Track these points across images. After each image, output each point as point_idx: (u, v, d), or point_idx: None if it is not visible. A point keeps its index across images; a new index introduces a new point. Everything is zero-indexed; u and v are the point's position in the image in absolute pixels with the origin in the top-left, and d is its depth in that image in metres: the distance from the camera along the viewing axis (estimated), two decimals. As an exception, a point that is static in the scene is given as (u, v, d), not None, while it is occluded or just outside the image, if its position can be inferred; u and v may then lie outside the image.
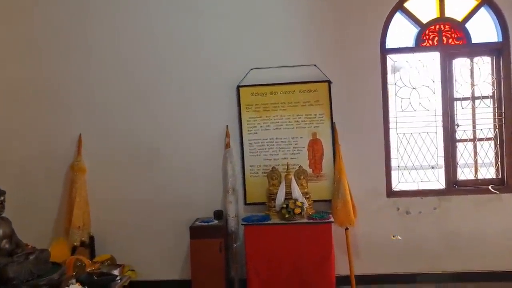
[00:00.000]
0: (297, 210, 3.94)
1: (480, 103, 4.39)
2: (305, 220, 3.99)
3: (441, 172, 4.42)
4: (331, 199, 4.30)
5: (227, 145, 4.39)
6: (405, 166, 4.44)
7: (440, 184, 4.42)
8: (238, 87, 4.39)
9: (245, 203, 4.42)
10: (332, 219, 4.03)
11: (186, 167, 4.46)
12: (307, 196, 4.17)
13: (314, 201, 4.27)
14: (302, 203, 4.01)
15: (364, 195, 4.38)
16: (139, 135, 4.50)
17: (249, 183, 4.40)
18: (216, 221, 4.21)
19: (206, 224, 4.14)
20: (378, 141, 4.38)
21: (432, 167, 4.42)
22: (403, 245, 4.39)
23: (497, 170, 4.39)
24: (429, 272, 4.38)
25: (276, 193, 4.11)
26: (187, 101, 4.47)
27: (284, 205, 3.98)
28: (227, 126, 4.42)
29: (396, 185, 4.45)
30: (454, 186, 4.40)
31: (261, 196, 4.37)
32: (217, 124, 4.44)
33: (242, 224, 4.05)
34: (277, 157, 4.38)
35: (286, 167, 4.20)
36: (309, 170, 4.35)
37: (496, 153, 4.39)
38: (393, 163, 4.45)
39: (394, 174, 4.45)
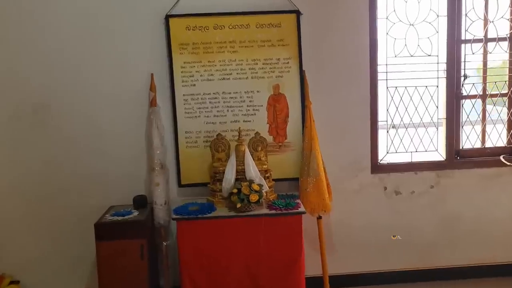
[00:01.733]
0: (254, 197, 2.72)
1: (495, 46, 3.29)
2: (265, 211, 2.79)
3: (441, 139, 3.35)
4: (298, 178, 3.12)
5: (152, 103, 3.04)
6: (396, 131, 3.32)
7: (440, 155, 3.35)
8: (167, 17, 3.01)
9: (179, 185, 3.14)
10: (301, 208, 2.86)
11: (92, 133, 3.09)
12: (267, 175, 2.96)
13: (276, 180, 3.07)
14: (261, 186, 2.79)
15: (341, 171, 3.25)
16: (21, 85, 3.04)
17: (185, 157, 3.11)
18: (136, 213, 2.91)
19: (121, 218, 2.83)
20: (362, 98, 3.21)
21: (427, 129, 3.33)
22: (389, 235, 3.34)
23: (511, 136, 3.38)
24: (423, 268, 3.39)
25: (223, 172, 2.86)
26: (92, 38, 3.03)
27: (235, 190, 2.75)
28: (151, 75, 3.05)
29: (384, 157, 3.34)
30: (456, 157, 3.35)
31: (201, 174, 3.11)
32: (137, 72, 3.07)
33: (173, 219, 2.79)
34: (224, 120, 3.10)
35: (238, 134, 2.94)
36: (269, 138, 3.12)
37: None
38: (381, 127, 3.31)
39: (381, 143, 3.32)
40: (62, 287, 3.16)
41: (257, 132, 3.01)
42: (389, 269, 3.37)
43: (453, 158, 3.33)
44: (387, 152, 3.34)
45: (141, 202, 3.02)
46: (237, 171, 2.85)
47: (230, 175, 2.83)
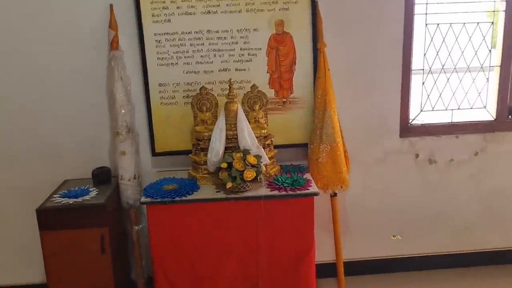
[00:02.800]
0: (249, 174, 2.01)
1: None
2: (265, 191, 2.08)
3: (492, 93, 2.60)
4: (307, 144, 2.41)
5: (113, 45, 2.25)
6: (435, 82, 2.57)
7: (489, 113, 2.62)
8: None
9: (153, 154, 2.43)
10: (313, 186, 2.16)
11: (35, 86, 2.33)
12: (267, 142, 2.23)
13: (279, 147, 2.36)
14: (258, 158, 2.08)
15: (362, 135, 2.54)
16: None
17: (159, 118, 2.37)
18: (94, 192, 2.22)
19: (74, 200, 2.13)
20: (393, 39, 2.43)
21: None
22: (419, 215, 2.68)
23: None
24: (459, 252, 2.75)
25: (209, 139, 2.14)
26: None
27: (225, 165, 2.04)
28: (110, 6, 2.25)
29: (417, 116, 2.61)
30: (509, 116, 2.62)
31: (181, 140, 2.39)
32: (91, 3, 2.27)
33: (142, 202, 2.08)
34: (210, 68, 2.34)
35: (228, 87, 2.19)
36: (270, 93, 2.37)
37: None
38: (415, 78, 2.55)
39: (414, 97, 2.58)
40: (7, 281, 2.53)
41: (253, 85, 2.26)
42: (417, 253, 2.73)
43: (505, 117, 2.60)
44: (421, 110, 2.60)
45: (103, 176, 2.32)
46: (227, 138, 2.13)
47: (217, 144, 2.10)
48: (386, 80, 2.48)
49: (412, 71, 2.50)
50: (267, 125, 2.27)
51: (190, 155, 2.27)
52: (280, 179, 2.16)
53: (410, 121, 2.58)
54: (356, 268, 2.66)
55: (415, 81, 2.54)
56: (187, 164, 2.35)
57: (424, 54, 2.51)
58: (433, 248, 2.73)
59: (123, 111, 2.27)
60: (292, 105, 2.41)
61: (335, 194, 2.43)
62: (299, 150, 2.48)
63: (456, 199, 2.66)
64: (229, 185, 2.01)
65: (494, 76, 2.57)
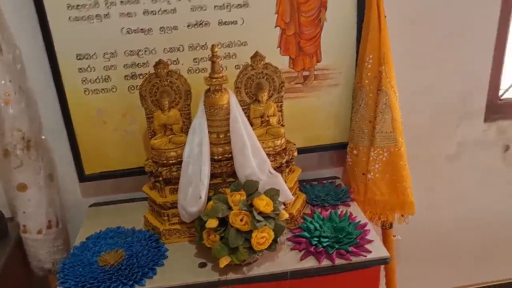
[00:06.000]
0: (262, 240, 1.03)
1: None
2: (291, 264, 1.11)
3: None
4: (346, 145, 1.43)
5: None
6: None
7: None
8: None
9: (81, 179, 1.37)
10: (380, 248, 1.18)
11: None
12: (286, 159, 1.22)
13: (301, 151, 1.35)
14: (275, 197, 1.09)
15: (427, 120, 1.57)
16: None
17: (84, 117, 1.30)
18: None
19: None
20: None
21: None
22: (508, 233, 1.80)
23: None
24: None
25: (179, 162, 1.13)
26: None
27: (214, 222, 1.03)
28: None
29: (510, 88, 1.64)
30: None
31: (128, 151, 1.36)
32: None
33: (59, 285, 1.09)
34: (170, 23, 1.25)
35: (210, 60, 1.12)
36: (283, 62, 1.33)
37: None
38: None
39: (509, 63, 1.59)
40: None
41: (256, 54, 1.19)
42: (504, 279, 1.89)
43: None
44: (517, 78, 1.64)
45: (-9, 230, 1.30)
46: (213, 160, 1.13)
47: (196, 176, 1.09)
48: (472, 35, 1.47)
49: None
50: (284, 123, 1.26)
51: (144, 187, 1.25)
52: (312, 227, 1.19)
53: (500, 95, 1.61)
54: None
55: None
56: (135, 189, 1.34)
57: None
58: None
59: (11, 111, 1.20)
60: (320, 82, 1.39)
61: (390, 226, 1.50)
62: (328, 154, 1.50)
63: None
64: (224, 262, 1.03)
65: None
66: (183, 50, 1.28)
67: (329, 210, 1.26)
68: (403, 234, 1.57)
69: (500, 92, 1.61)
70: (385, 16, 1.28)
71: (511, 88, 1.62)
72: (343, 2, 1.30)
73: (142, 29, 1.24)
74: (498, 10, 1.45)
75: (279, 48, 1.32)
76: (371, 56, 1.31)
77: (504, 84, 1.60)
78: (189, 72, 1.29)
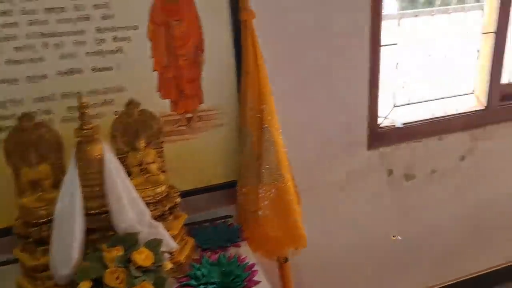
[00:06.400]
0: (142, 295, 0.99)
1: None
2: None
3: (483, 73, 1.84)
4: (235, 183, 1.43)
5: None
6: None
7: (478, 100, 1.87)
8: None
9: None
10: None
11: None
12: (170, 205, 1.19)
13: (184, 195, 1.32)
14: (157, 248, 1.05)
15: (312, 153, 1.63)
16: None
17: None
18: None
19: None
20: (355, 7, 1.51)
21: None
22: (398, 250, 1.90)
23: None
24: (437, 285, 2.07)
25: (50, 221, 1.05)
26: None
27: (87, 284, 0.97)
28: None
29: (388, 114, 1.75)
30: (502, 103, 1.89)
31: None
32: None
33: None
34: (39, 71, 1.19)
35: (79, 112, 1.06)
36: (163, 105, 1.32)
37: None
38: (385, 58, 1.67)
39: (384, 92, 1.71)
40: None
41: (131, 101, 1.17)
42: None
43: (497, 103, 1.87)
44: (394, 106, 1.76)
45: None
46: (88, 215, 1.06)
47: (67, 235, 1.03)
48: (348, 72, 1.57)
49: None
50: (165, 168, 1.23)
51: (15, 250, 1.15)
52: (200, 274, 1.16)
53: (380, 122, 1.72)
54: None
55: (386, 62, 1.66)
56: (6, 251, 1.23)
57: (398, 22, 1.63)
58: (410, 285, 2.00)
59: None
60: (205, 123, 1.39)
61: (286, 260, 1.52)
62: (219, 193, 1.49)
63: (440, 224, 1.92)
64: (100, 326, 0.97)
65: (486, 47, 1.81)
66: (55, 100, 1.22)
67: (218, 253, 1.25)
68: (298, 263, 1.60)
69: (380, 120, 1.72)
70: (262, 55, 1.32)
71: (390, 116, 1.74)
72: (219, 45, 1.32)
73: (4, 79, 1.16)
74: (368, 48, 1.56)
75: (159, 92, 1.31)
76: (251, 95, 1.34)
77: (382, 111, 1.72)
78: (64, 122, 1.23)
